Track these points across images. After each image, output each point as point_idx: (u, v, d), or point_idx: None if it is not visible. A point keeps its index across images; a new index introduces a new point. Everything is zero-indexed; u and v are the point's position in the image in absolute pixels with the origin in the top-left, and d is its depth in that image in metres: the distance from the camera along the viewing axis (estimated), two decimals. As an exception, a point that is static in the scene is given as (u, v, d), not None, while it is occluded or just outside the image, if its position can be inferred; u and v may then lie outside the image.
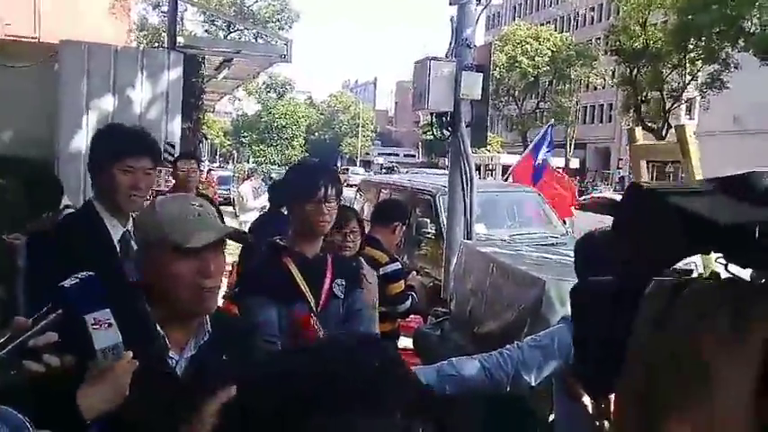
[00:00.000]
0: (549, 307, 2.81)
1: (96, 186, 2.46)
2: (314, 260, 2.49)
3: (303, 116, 63.65)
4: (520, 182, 9.31)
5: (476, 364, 2.29)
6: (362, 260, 3.63)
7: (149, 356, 1.47)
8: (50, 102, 6.30)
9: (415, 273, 4.84)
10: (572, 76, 42.80)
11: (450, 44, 5.55)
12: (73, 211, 4.10)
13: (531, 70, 41.77)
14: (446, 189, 6.04)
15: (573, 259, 2.23)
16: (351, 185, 17.48)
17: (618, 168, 43.67)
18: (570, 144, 45.85)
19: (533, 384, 2.25)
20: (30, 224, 4.47)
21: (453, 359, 2.36)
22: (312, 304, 2.41)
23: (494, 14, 65.76)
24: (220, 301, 1.80)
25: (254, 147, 59.21)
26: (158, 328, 1.60)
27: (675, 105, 33.28)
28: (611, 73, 41.71)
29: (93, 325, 1.20)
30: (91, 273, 1.26)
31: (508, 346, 2.34)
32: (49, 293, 1.30)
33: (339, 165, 61.57)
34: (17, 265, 4.00)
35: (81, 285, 1.23)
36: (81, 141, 6.14)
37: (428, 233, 7.50)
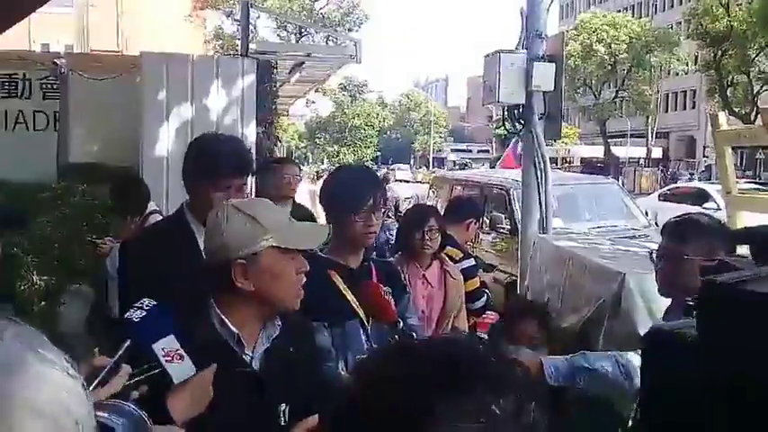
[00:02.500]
0: (629, 301, 2.72)
1: (189, 194, 2.44)
2: (359, 271, 2.34)
3: (376, 116, 64.05)
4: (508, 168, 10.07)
5: (611, 359, 2.17)
6: (445, 256, 3.62)
7: (228, 358, 1.52)
8: (133, 111, 6.58)
9: (481, 270, 4.79)
10: (652, 63, 41.23)
11: (521, 36, 5.44)
12: (158, 215, 4.27)
13: (607, 58, 40.53)
14: (520, 183, 5.93)
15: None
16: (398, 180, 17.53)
17: (704, 157, 41.80)
18: (651, 133, 44.22)
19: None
20: (119, 229, 4.70)
21: (585, 352, 2.27)
22: (363, 318, 2.25)
23: (567, 4, 64.19)
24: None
25: (328, 148, 60.04)
26: (233, 327, 1.65)
27: (764, 89, 31.54)
28: (693, 58, 39.98)
29: (164, 357, 1.26)
30: (154, 302, 1.32)
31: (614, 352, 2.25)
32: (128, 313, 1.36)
33: (411, 163, 61.61)
34: (106, 269, 4.22)
35: (146, 317, 1.29)
36: (163, 148, 6.38)
37: (503, 228, 7.40)
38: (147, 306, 1.30)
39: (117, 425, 1.05)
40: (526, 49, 5.28)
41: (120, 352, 1.24)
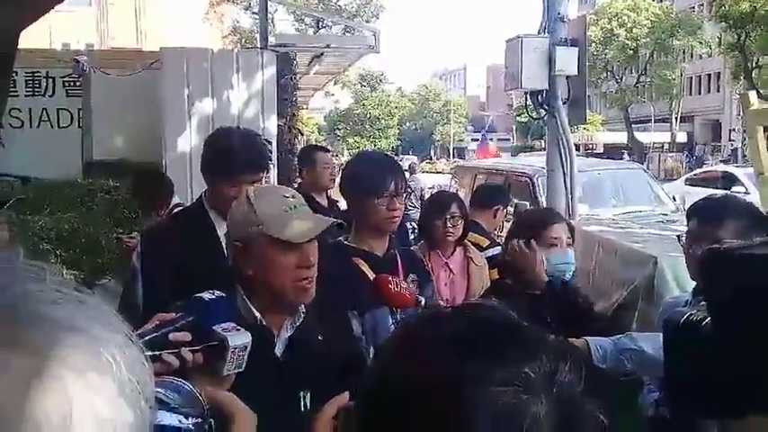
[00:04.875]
0: (662, 285, 2.66)
1: (207, 186, 2.46)
2: (385, 258, 2.30)
3: (395, 107, 63.95)
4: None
5: (658, 340, 2.13)
6: (469, 243, 3.58)
7: (254, 344, 1.49)
8: (155, 107, 6.61)
9: None
10: (674, 47, 40.58)
11: (542, 20, 5.38)
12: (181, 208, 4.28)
13: (629, 43, 39.96)
14: (544, 170, 5.86)
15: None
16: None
17: (730, 140, 41.12)
18: (676, 118, 43.59)
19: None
20: (144, 224, 4.73)
21: (632, 333, 2.23)
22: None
23: (586, -12, 63.34)
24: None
25: (348, 139, 60.05)
26: (257, 314, 1.64)
27: (791, 69, 30.93)
28: (716, 40, 39.26)
29: (222, 330, 1.28)
30: (223, 294, 1.34)
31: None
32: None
33: (432, 154, 61.47)
34: (133, 263, 4.24)
35: (215, 301, 1.32)
36: (185, 143, 6.41)
37: (528, 216, 7.32)
38: (216, 293, 1.34)
39: (169, 398, 1.05)
40: (548, 33, 5.22)
41: (184, 321, 1.26)
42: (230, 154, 2.36)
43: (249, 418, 1.09)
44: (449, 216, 3.37)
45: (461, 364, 0.65)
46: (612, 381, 2.12)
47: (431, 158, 54.35)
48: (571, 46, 5.13)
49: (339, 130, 62.24)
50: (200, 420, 1.01)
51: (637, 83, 43.53)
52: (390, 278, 2.19)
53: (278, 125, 6.99)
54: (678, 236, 2.19)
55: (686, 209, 2.54)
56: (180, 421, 1.01)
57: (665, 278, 2.66)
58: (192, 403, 1.07)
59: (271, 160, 2.62)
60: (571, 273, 2.38)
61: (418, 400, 0.66)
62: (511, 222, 3.31)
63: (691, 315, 1.07)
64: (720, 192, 9.90)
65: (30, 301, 0.48)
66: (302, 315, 1.69)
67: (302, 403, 1.63)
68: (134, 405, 0.49)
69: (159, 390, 1.07)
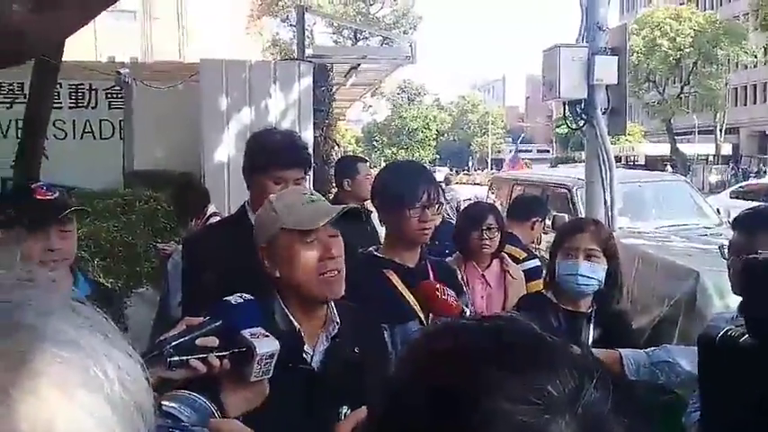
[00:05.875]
0: (705, 300, 2.57)
1: (249, 189, 2.44)
2: (416, 270, 2.25)
3: (433, 118, 63.97)
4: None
5: (694, 353, 2.04)
6: (506, 255, 3.51)
7: (287, 352, 1.47)
8: (194, 118, 6.71)
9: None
10: (719, 56, 39.73)
11: (581, 28, 5.29)
12: (218, 217, 4.32)
13: (672, 53, 39.26)
14: (583, 182, 5.75)
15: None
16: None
17: (777, 152, 40.02)
18: (720, 129, 42.62)
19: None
20: (181, 232, 4.79)
21: (667, 345, 2.16)
22: (423, 319, 2.17)
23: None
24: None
25: (385, 150, 60.26)
26: (294, 321, 1.62)
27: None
28: (762, 49, 38.31)
29: (251, 335, 1.27)
30: (251, 297, 1.33)
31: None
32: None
33: (470, 164, 61.22)
34: (167, 270, 4.29)
35: (243, 305, 1.31)
36: (224, 153, 6.48)
37: (566, 229, 7.18)
38: (245, 297, 1.32)
39: (183, 414, 1.03)
40: (587, 42, 5.13)
41: (211, 326, 1.25)
42: (272, 149, 2.34)
43: None
44: (485, 227, 3.30)
45: (477, 378, 0.61)
46: (649, 400, 2.04)
47: (467, 170, 54.12)
48: (611, 55, 5.04)
49: (377, 141, 62.50)
50: None
51: (680, 93, 42.73)
52: (438, 285, 2.15)
53: (314, 136, 7.02)
54: (720, 246, 2.10)
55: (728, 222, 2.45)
56: None
57: (708, 293, 2.56)
58: (205, 420, 1.05)
59: (311, 160, 2.59)
60: (583, 284, 2.30)
61: (432, 417, 0.62)
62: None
63: (728, 331, 1.01)
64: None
65: (12, 309, 0.44)
66: (337, 326, 1.67)
67: (342, 420, 1.59)
68: (129, 426, 0.44)
69: (174, 404, 1.05)
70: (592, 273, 2.30)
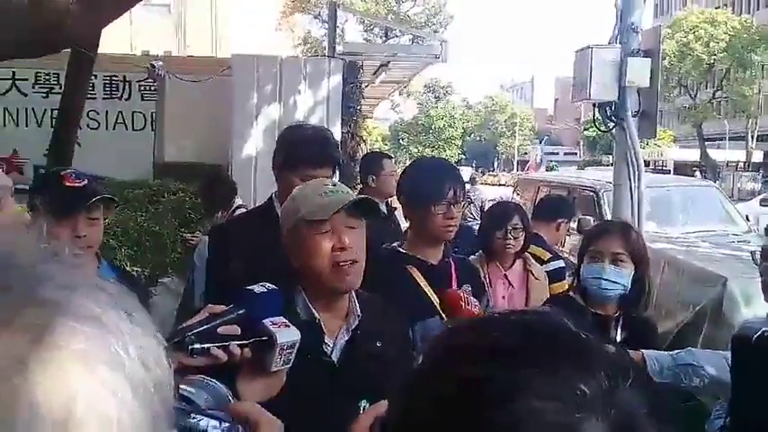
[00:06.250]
0: (731, 307, 2.54)
1: (277, 183, 2.45)
2: (439, 267, 2.26)
3: (460, 118, 63.70)
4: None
5: (719, 357, 2.00)
6: (529, 256, 3.50)
7: (307, 343, 1.49)
8: (225, 112, 6.77)
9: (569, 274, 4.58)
10: (753, 62, 38.95)
11: (615, 30, 5.24)
12: (244, 209, 4.37)
13: (705, 57, 38.59)
14: (610, 185, 5.70)
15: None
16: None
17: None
18: (752, 136, 41.82)
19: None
20: (207, 224, 4.85)
21: (692, 349, 2.15)
22: (444, 315, 2.18)
23: (661, 1, 61.65)
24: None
25: (411, 149, 60.14)
26: (315, 313, 1.63)
27: None
28: (798, 56, 37.52)
29: (272, 325, 1.27)
30: (275, 286, 1.33)
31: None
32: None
33: (495, 165, 60.89)
34: (193, 261, 4.35)
35: (266, 294, 1.30)
36: (252, 147, 6.54)
37: (592, 232, 7.12)
38: (268, 287, 1.32)
39: (200, 399, 1.05)
40: (620, 43, 5.08)
41: (233, 315, 1.25)
42: (300, 147, 2.35)
43: (275, 427, 1.05)
44: (510, 227, 3.29)
45: (505, 375, 0.59)
46: (673, 405, 2.02)
47: (493, 170, 53.79)
48: (644, 57, 4.99)
49: (403, 139, 62.41)
50: (227, 427, 0.99)
51: (712, 98, 41.99)
52: (462, 294, 2.15)
53: (342, 132, 7.05)
54: (752, 252, 2.08)
55: (760, 230, 2.41)
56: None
57: (735, 300, 2.54)
58: (221, 405, 1.06)
59: (341, 158, 2.59)
60: (608, 288, 2.29)
61: (457, 415, 0.60)
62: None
63: (765, 332, 1.00)
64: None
65: (35, 284, 0.42)
66: (358, 319, 1.68)
67: (362, 412, 1.60)
68: (148, 407, 0.43)
69: (191, 389, 1.07)
70: (617, 277, 2.28)
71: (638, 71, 4.91)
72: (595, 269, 2.30)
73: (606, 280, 2.28)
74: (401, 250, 2.29)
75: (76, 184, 2.05)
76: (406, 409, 0.67)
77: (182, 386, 1.07)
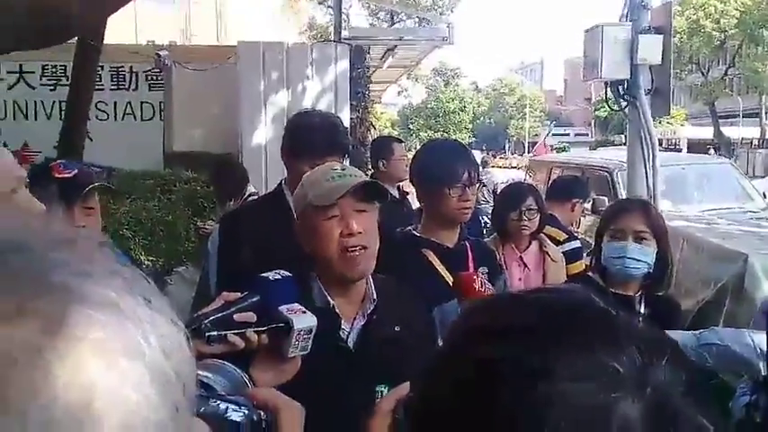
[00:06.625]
0: (753, 283, 2.50)
1: (287, 169, 2.43)
2: (455, 250, 2.23)
3: (470, 101, 63.38)
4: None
5: (743, 335, 1.99)
6: (545, 237, 3.46)
7: (323, 329, 1.46)
8: (232, 100, 6.76)
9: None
10: (765, 38, 38.42)
11: (624, 8, 5.16)
12: (256, 197, 4.35)
13: (716, 34, 38.11)
14: (624, 164, 5.64)
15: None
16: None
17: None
18: (766, 113, 41.37)
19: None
20: (220, 212, 4.84)
21: (715, 328, 2.12)
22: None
23: (671, -22, 60.78)
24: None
25: (421, 133, 59.91)
26: (330, 299, 1.61)
27: None
28: (812, 30, 36.97)
29: (288, 311, 1.27)
30: (289, 273, 1.32)
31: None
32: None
33: (506, 148, 60.64)
34: (207, 249, 4.35)
35: (281, 281, 1.30)
36: (261, 134, 6.53)
37: (605, 212, 7.07)
38: (282, 274, 1.32)
39: (218, 384, 1.04)
40: (630, 21, 5.00)
41: (248, 302, 1.25)
42: (309, 135, 2.32)
43: (295, 412, 1.03)
44: (524, 208, 3.25)
45: (533, 354, 0.55)
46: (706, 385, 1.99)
47: (504, 153, 53.52)
48: (655, 34, 4.91)
49: (412, 124, 62.20)
50: (247, 411, 0.98)
51: (724, 75, 41.52)
52: (476, 276, 2.11)
53: (351, 118, 7.01)
54: None
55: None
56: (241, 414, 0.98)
57: (757, 275, 2.49)
58: (238, 390, 1.05)
59: (350, 144, 2.56)
60: (632, 267, 2.24)
61: (483, 396, 0.57)
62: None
63: None
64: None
65: (48, 269, 0.40)
66: (374, 303, 1.65)
67: (379, 397, 1.58)
68: (168, 398, 0.41)
69: (208, 374, 1.05)
70: (641, 255, 2.24)
71: (650, 48, 4.83)
72: (619, 248, 2.26)
73: (630, 258, 2.24)
74: (416, 233, 2.26)
75: (65, 175, 2.03)
76: (427, 393, 0.65)
77: (198, 372, 1.06)
